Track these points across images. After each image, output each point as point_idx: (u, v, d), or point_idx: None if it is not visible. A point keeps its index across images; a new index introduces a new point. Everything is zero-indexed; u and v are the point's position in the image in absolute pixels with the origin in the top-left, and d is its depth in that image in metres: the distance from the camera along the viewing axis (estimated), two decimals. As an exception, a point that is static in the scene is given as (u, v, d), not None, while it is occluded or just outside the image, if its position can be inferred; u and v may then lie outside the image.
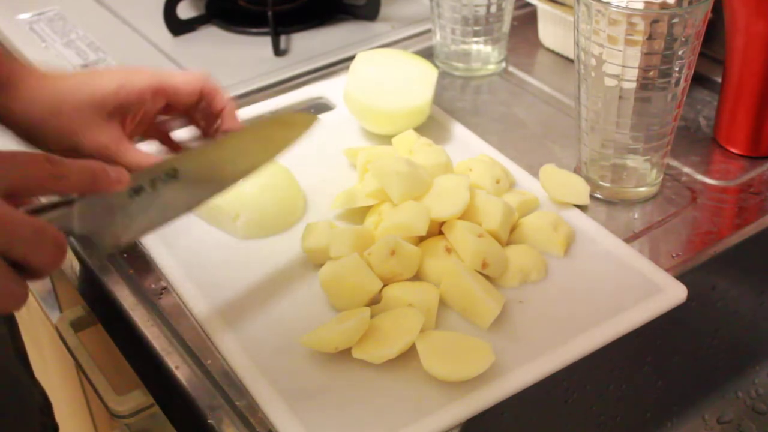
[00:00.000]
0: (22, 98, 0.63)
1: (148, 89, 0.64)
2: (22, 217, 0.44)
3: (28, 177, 0.45)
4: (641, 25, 0.61)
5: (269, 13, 0.95)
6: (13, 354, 0.73)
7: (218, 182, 0.58)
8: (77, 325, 0.75)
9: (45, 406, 0.76)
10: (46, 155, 0.46)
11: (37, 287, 0.87)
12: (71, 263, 0.69)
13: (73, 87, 0.63)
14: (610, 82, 0.65)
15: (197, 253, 0.66)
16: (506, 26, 0.86)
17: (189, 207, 0.57)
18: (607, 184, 0.70)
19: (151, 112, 0.66)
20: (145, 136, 0.68)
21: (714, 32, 0.73)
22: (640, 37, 0.62)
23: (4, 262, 0.44)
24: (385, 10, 1.00)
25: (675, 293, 0.61)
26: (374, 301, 0.60)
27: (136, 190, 0.52)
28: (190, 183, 0.56)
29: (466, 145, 0.76)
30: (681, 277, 0.62)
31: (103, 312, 0.68)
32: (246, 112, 0.80)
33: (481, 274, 0.61)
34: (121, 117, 0.64)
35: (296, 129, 0.63)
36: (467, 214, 0.64)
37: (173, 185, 0.54)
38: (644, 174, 0.70)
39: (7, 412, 0.68)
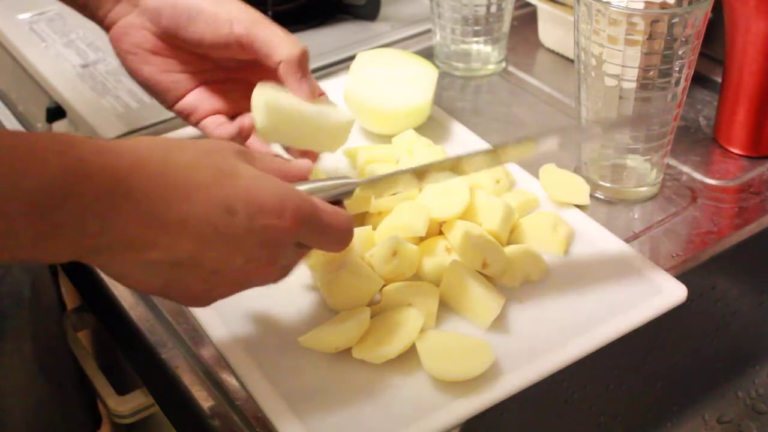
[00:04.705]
0: None
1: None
2: (341, 225, 0.51)
3: (323, 246, 0.52)
4: (641, 25, 0.61)
5: (269, 13, 0.95)
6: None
7: None
8: (77, 325, 0.75)
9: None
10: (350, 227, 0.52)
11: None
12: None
13: None
14: (610, 82, 0.65)
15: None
16: (506, 26, 0.86)
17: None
18: (607, 184, 0.70)
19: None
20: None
21: (714, 32, 0.73)
22: (640, 37, 0.62)
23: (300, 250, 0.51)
24: (385, 10, 0.99)
25: (675, 293, 0.61)
26: (374, 302, 0.60)
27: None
28: None
29: (466, 145, 0.76)
30: (681, 277, 0.62)
31: (103, 312, 0.68)
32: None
33: (481, 274, 0.61)
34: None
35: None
36: (467, 214, 0.64)
37: None
38: (644, 174, 0.70)
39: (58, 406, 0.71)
